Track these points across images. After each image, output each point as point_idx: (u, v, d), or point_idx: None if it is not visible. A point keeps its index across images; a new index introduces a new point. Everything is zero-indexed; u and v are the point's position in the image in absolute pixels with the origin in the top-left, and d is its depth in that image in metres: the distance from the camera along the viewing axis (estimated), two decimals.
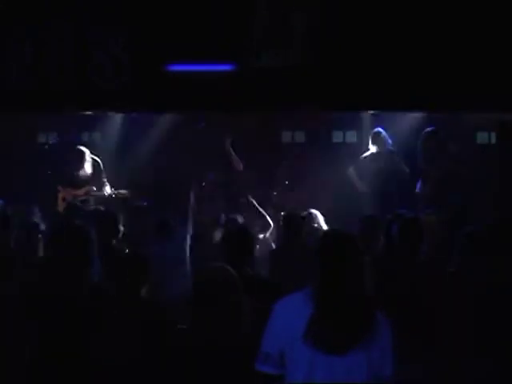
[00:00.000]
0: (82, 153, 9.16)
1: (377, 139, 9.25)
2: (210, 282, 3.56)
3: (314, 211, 7.29)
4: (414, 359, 4.38)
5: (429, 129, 8.51)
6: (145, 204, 7.68)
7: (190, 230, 6.60)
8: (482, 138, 9.66)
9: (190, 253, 6.38)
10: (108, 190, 8.97)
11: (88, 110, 7.70)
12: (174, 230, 6.90)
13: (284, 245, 6.76)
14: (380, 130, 9.24)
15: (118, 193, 8.97)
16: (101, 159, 9.30)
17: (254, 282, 4.53)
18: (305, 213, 7.28)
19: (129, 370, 4.16)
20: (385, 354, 3.25)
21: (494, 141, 9.53)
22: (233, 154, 8.38)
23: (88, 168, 9.13)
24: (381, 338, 3.23)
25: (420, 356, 4.50)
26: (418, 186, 8.67)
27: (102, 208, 7.51)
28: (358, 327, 3.19)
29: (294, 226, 6.68)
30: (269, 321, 3.32)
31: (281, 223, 7.85)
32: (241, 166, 8.42)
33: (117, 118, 9.72)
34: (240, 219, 7.31)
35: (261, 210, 7.92)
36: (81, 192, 9.06)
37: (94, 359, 3.98)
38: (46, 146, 9.53)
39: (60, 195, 9.09)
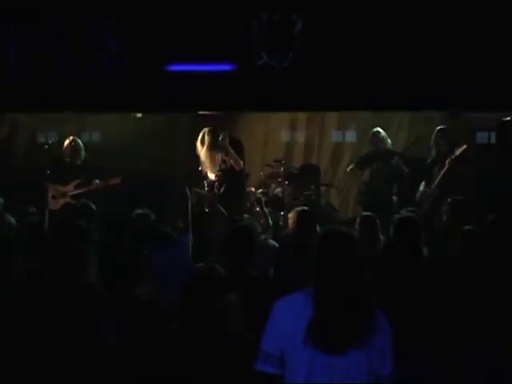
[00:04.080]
0: (76, 142, 9.19)
1: (376, 139, 9.27)
2: (198, 282, 3.57)
3: (306, 208, 7.25)
4: (414, 359, 4.38)
5: (442, 127, 8.57)
6: (146, 211, 7.66)
7: (191, 237, 6.56)
8: (481, 137, 9.67)
9: (192, 255, 6.34)
10: (97, 181, 8.96)
11: (87, 110, 7.71)
12: (175, 238, 6.87)
13: (297, 241, 6.68)
14: (379, 129, 9.26)
15: (110, 181, 8.97)
16: (98, 159, 9.35)
17: (257, 283, 4.54)
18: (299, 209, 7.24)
19: (126, 368, 4.17)
20: (384, 354, 3.25)
21: (493, 141, 9.54)
22: (232, 152, 8.34)
23: (80, 159, 9.17)
24: (380, 337, 3.23)
25: (420, 355, 4.50)
26: (421, 186, 8.69)
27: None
28: (357, 326, 3.20)
29: (308, 222, 6.60)
30: (269, 320, 3.32)
31: (281, 223, 7.85)
32: (241, 165, 8.38)
33: (116, 118, 9.72)
34: (243, 219, 7.29)
35: (264, 209, 7.89)
36: (70, 187, 9.05)
37: (91, 358, 3.99)
38: (46, 146, 9.52)
39: (50, 193, 9.08)
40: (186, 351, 3.48)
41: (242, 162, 8.37)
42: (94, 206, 7.29)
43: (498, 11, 6.43)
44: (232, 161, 8.31)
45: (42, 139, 10.33)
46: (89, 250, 4.60)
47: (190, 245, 6.27)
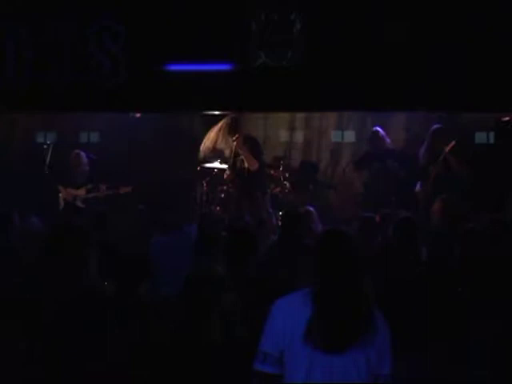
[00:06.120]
0: (79, 156, 9.22)
1: (375, 139, 9.27)
2: (198, 283, 3.56)
3: (310, 209, 7.28)
4: (413, 358, 4.39)
5: (438, 125, 8.56)
6: (142, 207, 7.69)
7: (194, 229, 6.57)
8: (480, 138, 9.68)
9: (194, 251, 6.36)
10: (104, 187, 9.01)
11: (87, 110, 7.71)
12: (177, 227, 6.88)
13: (281, 242, 6.75)
14: (378, 129, 9.26)
15: (121, 189, 9.01)
16: (99, 158, 9.36)
17: (255, 283, 4.54)
18: (302, 209, 7.27)
19: (124, 369, 4.15)
20: (383, 353, 3.26)
21: (492, 141, 9.56)
22: (245, 152, 8.31)
23: (85, 169, 9.20)
24: (379, 336, 3.24)
25: (419, 355, 4.51)
26: (418, 185, 8.69)
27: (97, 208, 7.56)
28: (356, 326, 3.20)
29: (292, 223, 6.66)
30: (268, 320, 3.32)
31: (279, 222, 7.86)
32: (256, 165, 8.33)
33: (116, 117, 9.71)
34: (246, 219, 7.30)
35: (269, 209, 7.93)
36: (81, 192, 9.09)
37: (90, 360, 3.98)
38: (45, 146, 9.53)
39: (61, 195, 9.13)
40: (186, 352, 3.48)
41: (256, 162, 8.32)
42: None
43: (497, 12, 6.44)
44: (246, 161, 8.29)
45: (41, 139, 10.33)
46: (89, 250, 4.59)
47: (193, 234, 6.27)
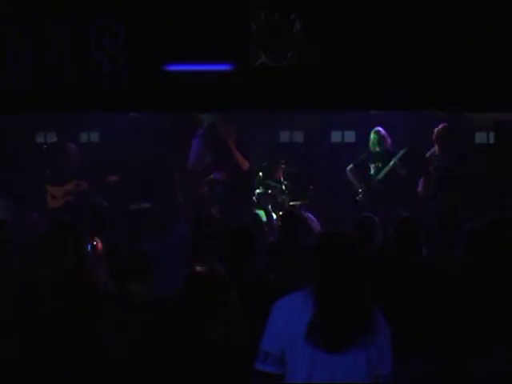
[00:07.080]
0: (72, 149, 9.21)
1: (376, 139, 9.26)
2: (198, 283, 3.56)
3: (308, 214, 7.30)
4: (413, 359, 4.39)
5: (443, 124, 8.58)
6: (144, 205, 7.67)
7: (186, 229, 6.56)
8: (480, 138, 9.69)
9: (190, 252, 6.34)
10: (85, 185, 8.99)
11: (87, 110, 7.71)
12: (168, 228, 6.85)
13: (280, 243, 6.74)
14: (379, 129, 9.26)
15: (109, 179, 8.98)
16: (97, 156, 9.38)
17: (253, 284, 4.53)
18: (299, 210, 7.28)
19: (122, 370, 4.15)
20: (383, 353, 3.27)
21: (492, 141, 9.56)
22: (237, 152, 8.37)
23: (74, 163, 9.20)
24: (379, 336, 3.24)
25: (419, 355, 4.51)
26: (420, 185, 8.70)
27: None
28: (357, 326, 3.21)
29: (291, 224, 6.66)
30: (269, 320, 3.32)
31: (279, 223, 7.86)
32: (247, 165, 8.41)
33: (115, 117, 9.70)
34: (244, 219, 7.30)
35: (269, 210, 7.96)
36: (70, 186, 9.06)
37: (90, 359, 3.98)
38: (45, 146, 9.54)
39: (49, 193, 9.09)
40: (186, 352, 3.48)
41: (247, 163, 8.39)
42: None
43: (497, 12, 6.45)
44: (238, 161, 8.34)
45: (40, 139, 10.32)
46: (87, 248, 4.60)
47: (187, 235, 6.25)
